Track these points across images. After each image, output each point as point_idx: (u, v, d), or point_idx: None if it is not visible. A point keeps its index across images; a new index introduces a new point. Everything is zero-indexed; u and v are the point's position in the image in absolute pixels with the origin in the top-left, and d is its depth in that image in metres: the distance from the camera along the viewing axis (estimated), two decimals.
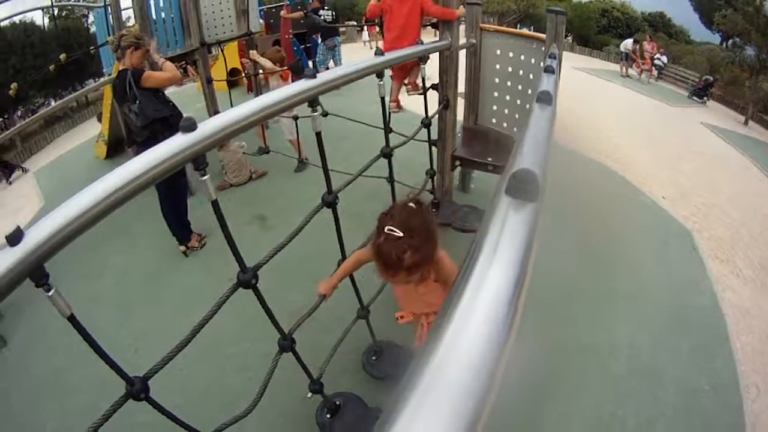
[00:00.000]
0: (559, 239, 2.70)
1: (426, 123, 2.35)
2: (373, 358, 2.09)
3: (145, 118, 2.79)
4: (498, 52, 3.03)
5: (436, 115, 2.71)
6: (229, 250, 1.18)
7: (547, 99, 1.09)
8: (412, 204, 1.24)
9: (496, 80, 3.13)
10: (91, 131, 7.57)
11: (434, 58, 2.68)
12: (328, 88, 1.39)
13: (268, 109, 1.20)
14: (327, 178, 1.50)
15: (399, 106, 3.54)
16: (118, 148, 6.38)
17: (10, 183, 8.13)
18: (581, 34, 18.31)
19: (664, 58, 12.09)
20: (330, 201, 1.51)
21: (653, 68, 11.52)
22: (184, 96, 5.14)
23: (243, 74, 6.72)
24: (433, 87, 2.79)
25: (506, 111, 3.18)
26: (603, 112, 6.75)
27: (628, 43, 11.61)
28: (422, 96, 2.47)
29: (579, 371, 2.03)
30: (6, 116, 14.64)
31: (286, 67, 4.39)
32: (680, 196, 3.73)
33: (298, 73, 5.49)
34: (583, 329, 2.19)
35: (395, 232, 1.16)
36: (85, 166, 6.20)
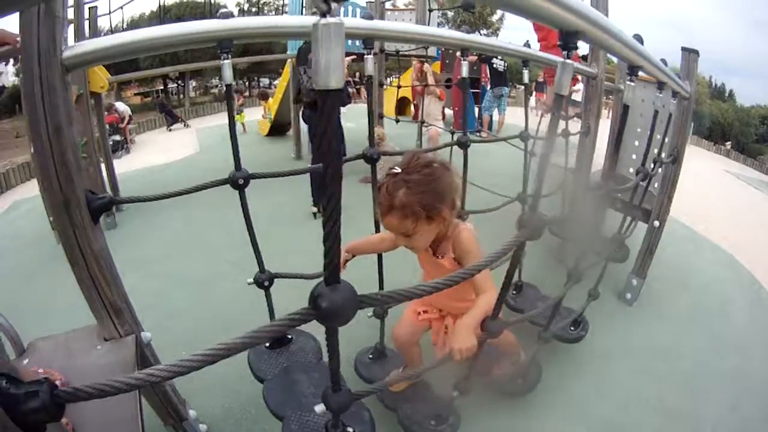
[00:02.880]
0: (673, 306, 2.68)
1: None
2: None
3: None
4: (642, 100, 2.96)
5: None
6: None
7: None
8: (431, 160, 1.21)
9: (638, 129, 3.03)
10: (255, 116, 8.61)
11: None
12: None
13: None
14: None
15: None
16: (279, 130, 7.19)
17: (170, 130, 9.76)
18: (739, 140, 17.76)
19: None
20: (370, 156, 1.54)
21: None
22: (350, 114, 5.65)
23: (412, 103, 7.19)
24: (578, 116, 2.73)
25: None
26: (743, 212, 6.11)
27: None
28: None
29: None
30: (181, 82, 17.54)
31: (443, 85, 4.84)
32: None
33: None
34: (668, 392, 1.97)
35: (395, 169, 1.17)
36: (244, 136, 7.06)
